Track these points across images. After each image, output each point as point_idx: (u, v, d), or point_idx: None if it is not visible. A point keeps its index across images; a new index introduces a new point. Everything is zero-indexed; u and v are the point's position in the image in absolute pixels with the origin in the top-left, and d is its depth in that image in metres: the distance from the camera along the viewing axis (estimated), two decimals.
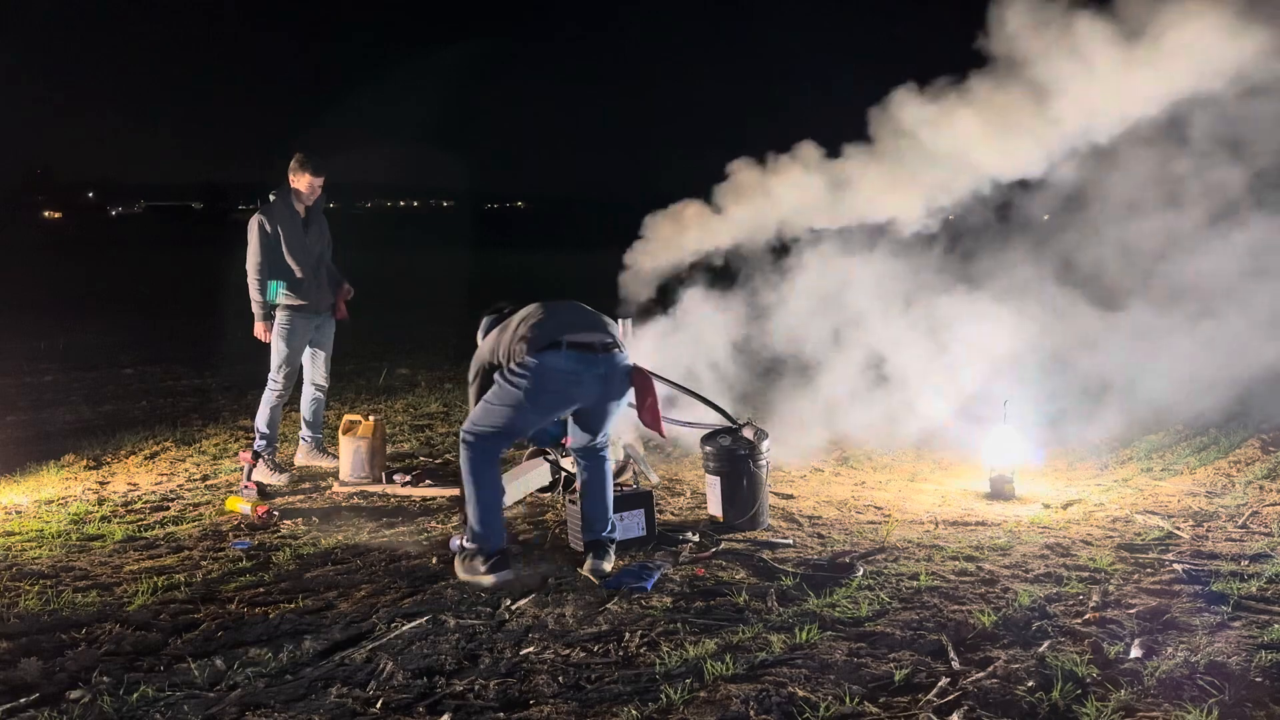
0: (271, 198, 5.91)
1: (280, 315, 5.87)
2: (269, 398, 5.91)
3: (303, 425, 6.22)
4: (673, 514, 5.11)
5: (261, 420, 5.90)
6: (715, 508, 4.92)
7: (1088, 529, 4.70)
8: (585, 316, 4.38)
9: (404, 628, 3.63)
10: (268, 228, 5.78)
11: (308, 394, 6.15)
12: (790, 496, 5.41)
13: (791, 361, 6.45)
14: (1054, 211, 6.09)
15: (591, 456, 4.42)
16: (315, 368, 6.11)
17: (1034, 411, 5.80)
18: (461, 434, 4.23)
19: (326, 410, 6.45)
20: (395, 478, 5.70)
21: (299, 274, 5.86)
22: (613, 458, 5.47)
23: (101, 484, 5.85)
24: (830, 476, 5.88)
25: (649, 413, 4.30)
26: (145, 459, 6.46)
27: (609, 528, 4.35)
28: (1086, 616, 3.59)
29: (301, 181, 5.89)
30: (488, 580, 4.03)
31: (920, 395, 5.97)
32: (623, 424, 5.57)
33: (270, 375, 5.92)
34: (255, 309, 5.80)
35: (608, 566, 4.21)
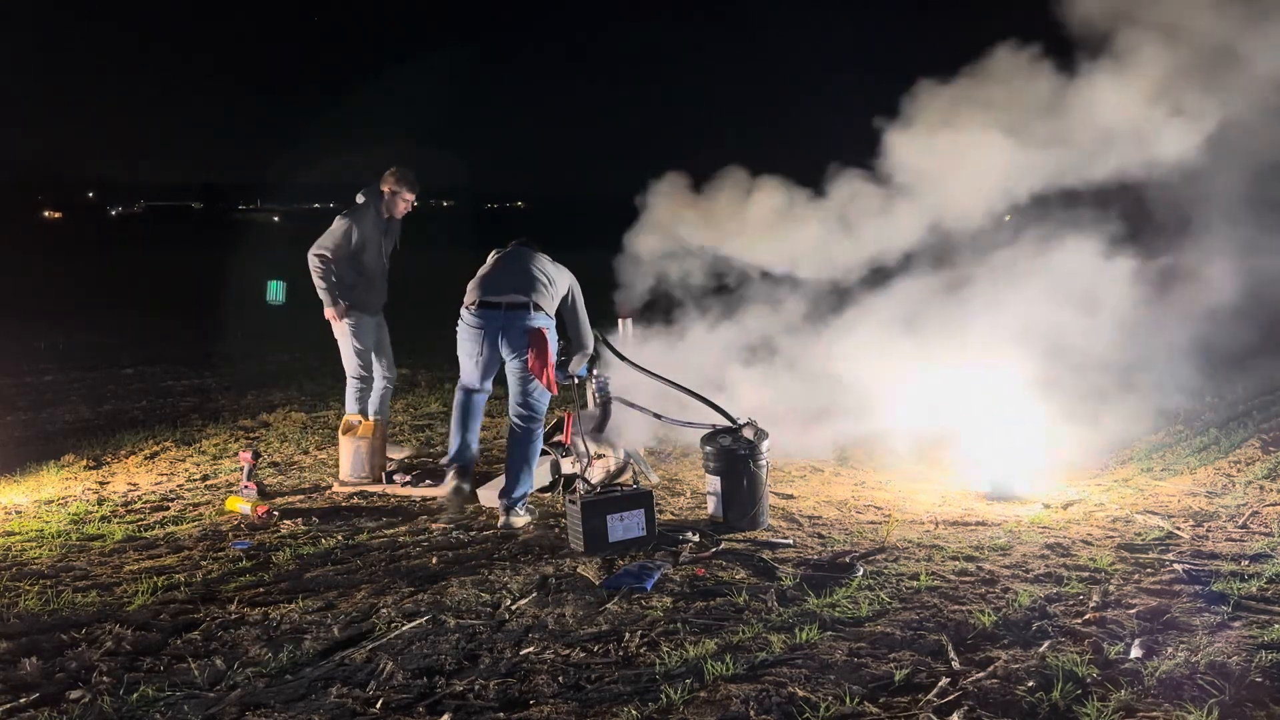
0: (360, 199, 6.00)
1: (349, 317, 5.99)
2: (353, 389, 6.10)
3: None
4: (673, 514, 5.11)
5: (371, 410, 6.07)
6: (715, 508, 4.92)
7: (1088, 529, 4.70)
8: (508, 278, 5.02)
9: (404, 628, 3.63)
10: (354, 233, 5.88)
11: (377, 387, 6.22)
12: (790, 496, 5.41)
13: (792, 360, 6.43)
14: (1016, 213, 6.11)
15: (515, 422, 4.99)
16: (380, 364, 6.20)
17: (1035, 411, 5.78)
18: None
19: (326, 410, 6.47)
20: (395, 478, 5.70)
21: (363, 277, 5.97)
22: (608, 456, 5.51)
23: (101, 484, 5.85)
24: (830, 476, 5.87)
25: (535, 367, 4.86)
26: (145, 459, 6.46)
27: (507, 494, 4.92)
28: (1086, 616, 3.59)
29: (400, 196, 6.02)
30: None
31: (920, 395, 5.96)
32: (622, 424, 5.59)
33: (349, 375, 6.12)
34: (325, 296, 5.89)
35: (517, 522, 4.85)
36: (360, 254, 5.92)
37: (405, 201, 6.05)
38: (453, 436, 5.23)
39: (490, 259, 5.24)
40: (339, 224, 5.89)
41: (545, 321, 4.97)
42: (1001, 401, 5.48)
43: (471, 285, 5.10)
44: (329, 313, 5.95)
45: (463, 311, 5.08)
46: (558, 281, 5.12)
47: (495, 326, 4.96)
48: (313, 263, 5.86)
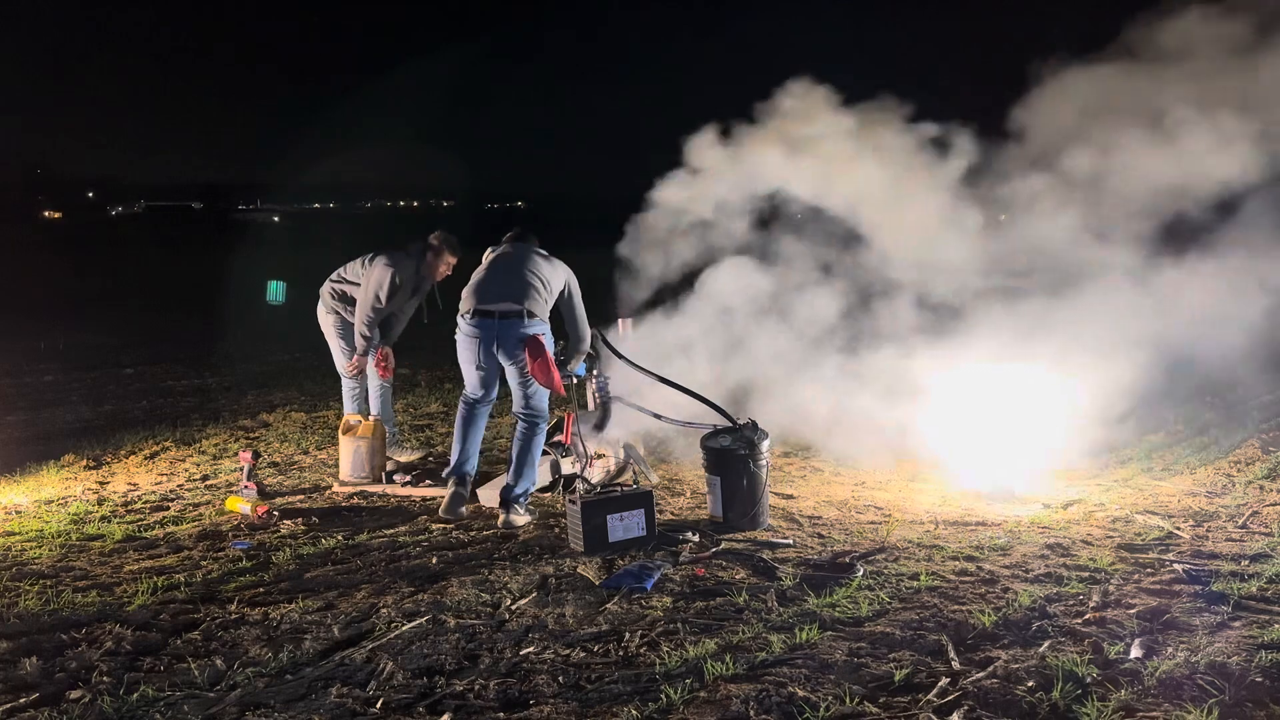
0: (410, 249, 6.03)
1: (336, 319, 6.08)
2: (349, 389, 6.14)
3: None
4: (673, 514, 5.11)
5: (373, 413, 6.08)
6: (715, 508, 4.92)
7: (1088, 529, 4.70)
8: (500, 286, 5.02)
9: (404, 628, 3.63)
10: (397, 281, 5.90)
11: (373, 389, 6.24)
12: (790, 496, 5.41)
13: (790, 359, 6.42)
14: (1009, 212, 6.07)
15: (520, 419, 5.06)
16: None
17: (1035, 411, 5.78)
18: None
19: (326, 410, 6.47)
20: (395, 478, 5.70)
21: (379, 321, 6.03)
22: (608, 456, 5.51)
23: (101, 484, 5.85)
24: (830, 476, 5.87)
25: (536, 371, 4.90)
26: (145, 459, 6.46)
27: (509, 488, 4.95)
28: (1086, 616, 3.59)
29: (441, 257, 6.05)
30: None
31: (922, 395, 5.94)
32: (622, 425, 5.59)
33: (342, 374, 6.16)
34: (359, 343, 5.94)
35: (517, 520, 4.86)
36: (389, 299, 5.93)
37: (446, 265, 6.08)
38: (454, 448, 5.24)
39: (485, 259, 5.24)
40: (382, 272, 5.86)
41: (540, 328, 4.98)
42: (1006, 400, 5.46)
43: (466, 292, 5.11)
44: (351, 362, 6.02)
45: (459, 319, 5.10)
46: (552, 281, 5.12)
47: (490, 335, 4.98)
48: (369, 317, 5.86)
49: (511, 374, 5.04)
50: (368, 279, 5.88)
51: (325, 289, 6.11)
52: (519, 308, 4.94)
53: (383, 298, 5.85)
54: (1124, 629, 3.48)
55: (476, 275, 5.16)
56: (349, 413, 6.02)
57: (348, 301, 6.01)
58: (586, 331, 5.30)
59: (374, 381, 6.19)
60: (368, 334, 5.89)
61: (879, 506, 5.20)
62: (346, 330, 6.04)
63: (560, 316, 5.26)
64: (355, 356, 6.00)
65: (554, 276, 5.14)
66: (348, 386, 6.15)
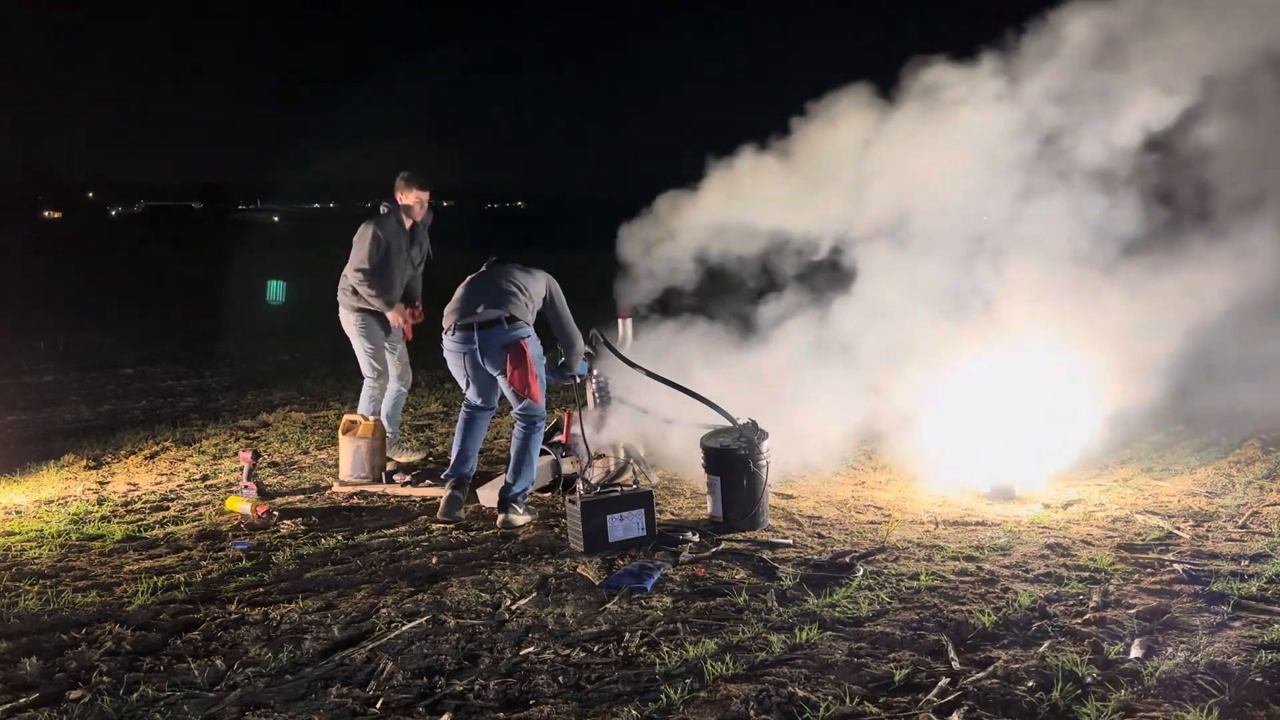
0: (384, 210, 5.99)
1: (356, 318, 6.02)
2: (369, 390, 6.14)
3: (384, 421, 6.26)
4: (673, 514, 5.11)
5: (383, 413, 6.10)
6: (715, 508, 4.92)
7: (1088, 529, 4.70)
8: (477, 297, 5.04)
9: (404, 628, 3.63)
10: (381, 238, 5.87)
11: (390, 390, 6.24)
12: (790, 496, 5.41)
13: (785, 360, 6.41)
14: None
15: (517, 419, 5.07)
16: (393, 366, 6.21)
17: (1034, 411, 5.78)
18: None
19: (327, 410, 6.46)
20: (395, 478, 5.70)
21: (381, 283, 5.95)
22: (608, 456, 5.51)
23: (101, 484, 5.85)
24: (830, 476, 5.87)
25: (515, 380, 4.95)
26: (145, 459, 6.46)
27: (508, 487, 4.97)
28: (1086, 616, 3.60)
29: (409, 197, 5.98)
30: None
31: (921, 394, 5.93)
32: (623, 425, 5.59)
33: (365, 374, 6.16)
34: (380, 305, 5.92)
35: (516, 519, 4.87)
36: (385, 263, 5.91)
37: (419, 201, 5.99)
38: (453, 449, 5.27)
39: (464, 282, 5.28)
40: (364, 232, 5.87)
41: (522, 332, 4.99)
42: (1004, 398, 5.45)
43: (447, 310, 5.15)
44: (391, 317, 5.99)
45: (443, 337, 5.13)
46: (531, 288, 5.15)
47: (472, 348, 5.00)
48: (355, 279, 5.88)
49: (501, 381, 5.07)
50: (357, 246, 5.87)
51: (339, 291, 6.07)
52: (499, 313, 4.96)
53: (373, 256, 5.82)
54: (1124, 629, 3.48)
55: (456, 293, 5.20)
56: (363, 413, 6.00)
57: (359, 295, 5.99)
58: (576, 333, 5.34)
59: (393, 385, 6.18)
60: (371, 291, 5.85)
61: (879, 506, 5.20)
62: (369, 328, 6.02)
63: (549, 327, 5.29)
64: (388, 313, 5.95)
65: (533, 283, 5.17)
66: (367, 387, 6.14)
